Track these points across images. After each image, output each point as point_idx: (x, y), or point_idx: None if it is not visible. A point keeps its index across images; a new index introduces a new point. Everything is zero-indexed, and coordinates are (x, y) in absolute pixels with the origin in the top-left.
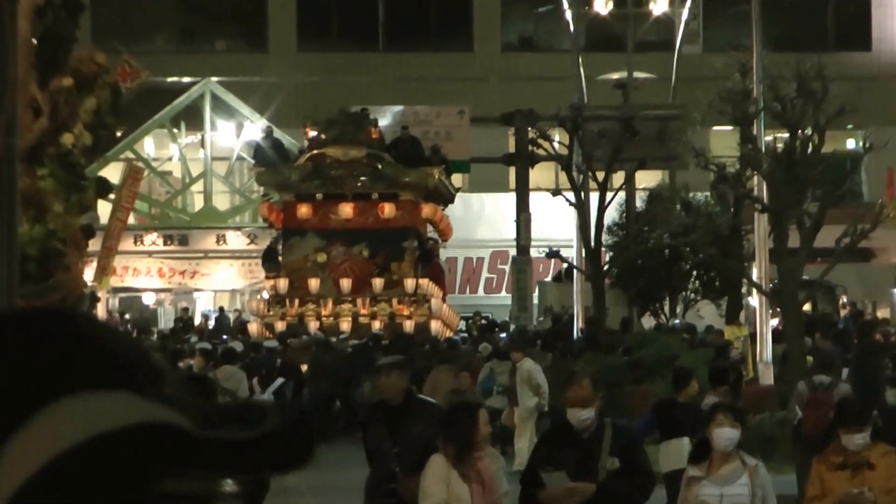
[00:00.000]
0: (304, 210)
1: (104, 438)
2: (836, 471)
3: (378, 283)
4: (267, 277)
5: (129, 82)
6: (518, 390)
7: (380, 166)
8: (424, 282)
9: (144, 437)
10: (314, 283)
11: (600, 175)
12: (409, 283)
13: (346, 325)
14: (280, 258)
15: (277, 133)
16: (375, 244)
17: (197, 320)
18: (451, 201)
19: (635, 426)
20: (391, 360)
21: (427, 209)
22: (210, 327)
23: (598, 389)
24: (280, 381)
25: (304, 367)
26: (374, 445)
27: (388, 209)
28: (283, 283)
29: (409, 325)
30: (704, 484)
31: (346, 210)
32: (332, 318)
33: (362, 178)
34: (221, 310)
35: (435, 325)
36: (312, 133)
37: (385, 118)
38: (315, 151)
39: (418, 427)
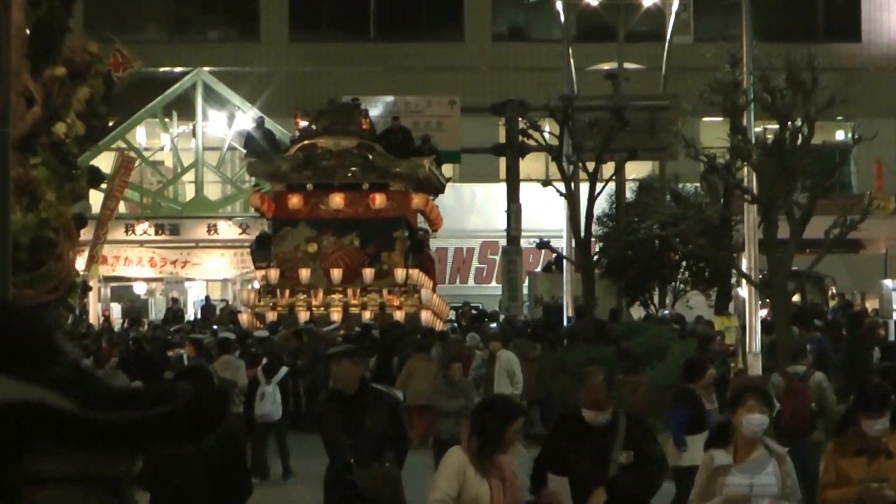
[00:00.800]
0: (294, 200)
1: None
2: (853, 457)
3: (368, 273)
4: (257, 267)
5: (121, 72)
6: (496, 379)
7: (370, 156)
8: (415, 272)
9: (14, 416)
10: (305, 274)
11: (590, 165)
12: (400, 274)
13: (336, 316)
14: (272, 248)
15: (268, 123)
16: (366, 234)
17: (190, 311)
18: (442, 191)
19: (673, 420)
20: (341, 349)
21: (417, 199)
22: (197, 317)
23: (611, 390)
24: (284, 370)
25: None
26: (330, 436)
27: (378, 199)
28: (273, 274)
29: (399, 316)
30: (732, 472)
31: (337, 200)
32: (322, 309)
33: (353, 169)
34: (207, 299)
35: (425, 316)
36: (303, 123)
37: (376, 108)
38: (306, 142)
39: (371, 418)
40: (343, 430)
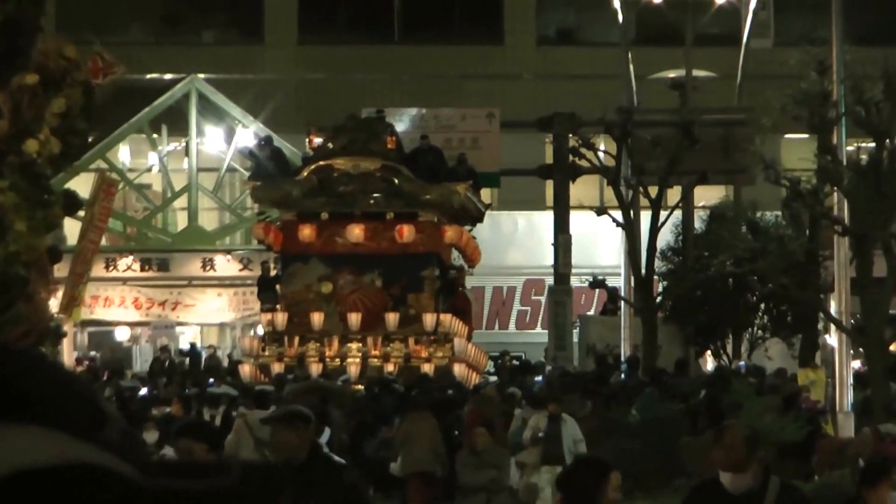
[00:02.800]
0: (306, 231)
1: (27, 475)
2: None
3: (392, 318)
4: (263, 310)
5: (101, 78)
6: (565, 448)
7: (396, 181)
8: (447, 317)
9: (75, 477)
10: (317, 318)
11: (653, 191)
12: (429, 320)
13: (354, 369)
14: (278, 288)
15: (277, 141)
16: (390, 273)
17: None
18: (481, 220)
19: None
20: (278, 413)
21: (451, 232)
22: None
23: (754, 447)
24: (328, 432)
25: None
26: None
27: (406, 232)
28: (280, 318)
29: (427, 369)
30: None
31: (356, 232)
32: (337, 360)
33: (375, 195)
34: (192, 346)
35: (458, 369)
36: (318, 141)
37: (401, 123)
38: (321, 163)
39: (320, 494)
40: None
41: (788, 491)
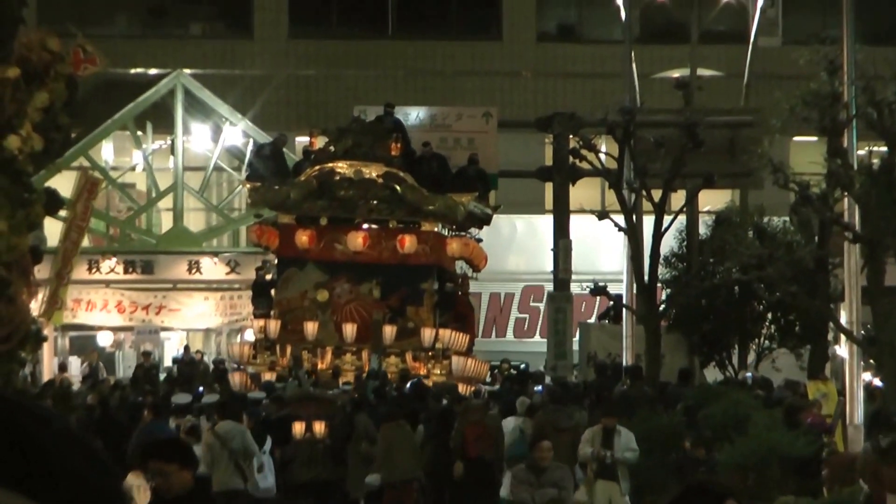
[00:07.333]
0: (304, 236)
1: None
2: None
3: (389, 331)
4: (256, 316)
5: (81, 70)
6: (619, 467)
7: (399, 189)
8: (445, 333)
9: None
10: (311, 327)
11: (656, 194)
12: (428, 334)
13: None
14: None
15: (262, 137)
16: (389, 283)
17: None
18: (487, 223)
19: None
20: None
21: (455, 246)
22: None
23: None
24: (270, 440)
25: (297, 426)
26: None
27: (408, 242)
28: (273, 325)
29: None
30: None
31: (357, 240)
32: (330, 372)
33: (376, 202)
34: (187, 349)
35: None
36: (321, 140)
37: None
38: (322, 166)
39: None
40: None
41: None
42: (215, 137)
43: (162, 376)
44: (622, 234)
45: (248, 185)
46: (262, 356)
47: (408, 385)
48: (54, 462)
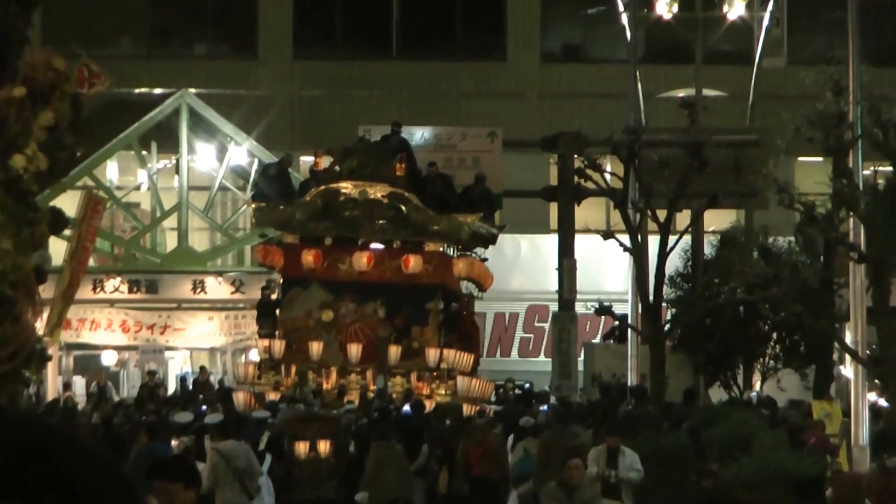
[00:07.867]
0: (309, 256)
1: None
2: None
3: (394, 351)
4: (261, 336)
5: (86, 89)
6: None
7: (404, 209)
8: (450, 353)
9: None
10: (316, 347)
11: (661, 214)
12: (432, 355)
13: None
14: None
15: (267, 157)
16: (394, 303)
17: (171, 386)
18: (493, 242)
19: None
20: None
21: (461, 266)
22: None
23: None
24: (269, 459)
25: (302, 445)
26: None
27: (412, 262)
28: (278, 345)
29: (429, 406)
30: None
31: (361, 260)
32: (335, 392)
33: (381, 222)
34: (203, 369)
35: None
36: (326, 160)
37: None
38: (326, 186)
39: None
40: None
41: None
42: (220, 157)
43: (171, 391)
44: (627, 253)
45: (252, 205)
46: (266, 376)
47: (406, 406)
48: (78, 480)
